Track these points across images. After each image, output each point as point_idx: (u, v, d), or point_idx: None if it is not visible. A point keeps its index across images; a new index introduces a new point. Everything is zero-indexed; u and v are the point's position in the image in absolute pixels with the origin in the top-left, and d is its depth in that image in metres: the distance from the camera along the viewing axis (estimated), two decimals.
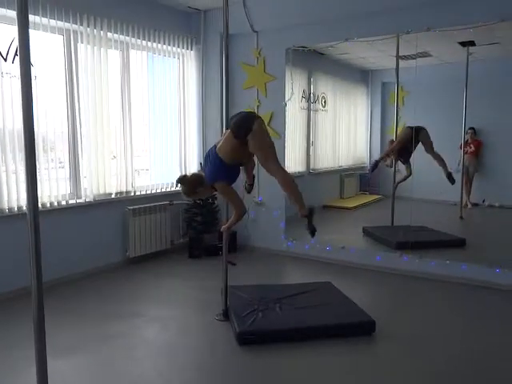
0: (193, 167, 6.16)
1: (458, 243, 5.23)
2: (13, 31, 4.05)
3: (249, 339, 3.30)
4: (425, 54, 5.26)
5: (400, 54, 5.32)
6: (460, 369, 3.00)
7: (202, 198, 4.68)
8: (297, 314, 3.60)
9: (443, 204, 5.68)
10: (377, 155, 6.36)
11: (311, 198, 6.44)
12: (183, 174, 3.61)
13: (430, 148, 5.42)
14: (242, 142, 3.19)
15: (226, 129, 3.46)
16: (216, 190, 3.40)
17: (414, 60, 5.13)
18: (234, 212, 3.39)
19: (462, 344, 3.36)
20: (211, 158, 3.30)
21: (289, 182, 3.26)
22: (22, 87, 1.78)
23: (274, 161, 3.25)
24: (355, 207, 6.44)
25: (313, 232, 3.28)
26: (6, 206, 4.22)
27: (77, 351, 3.23)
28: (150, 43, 5.51)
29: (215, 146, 3.32)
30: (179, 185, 3.43)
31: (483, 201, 5.54)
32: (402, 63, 5.41)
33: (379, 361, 3.13)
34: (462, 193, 5.54)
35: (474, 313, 3.96)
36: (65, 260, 4.69)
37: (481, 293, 4.37)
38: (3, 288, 4.20)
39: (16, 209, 4.28)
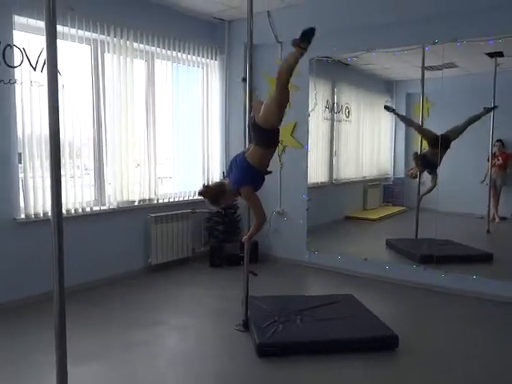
0: (215, 176, 6.18)
1: (485, 258, 5.10)
2: (43, 41, 4.14)
3: (269, 351, 3.26)
4: (451, 65, 5.18)
5: (425, 65, 5.26)
6: None
7: (225, 205, 4.62)
8: (318, 326, 3.55)
9: (469, 217, 5.56)
10: (401, 166, 6.29)
11: (333, 209, 6.45)
12: (205, 184, 3.58)
13: (465, 124, 5.30)
14: (268, 147, 3.21)
15: (249, 139, 3.48)
16: (240, 195, 3.38)
17: (440, 71, 5.05)
18: (255, 220, 3.36)
19: (487, 362, 3.25)
20: (238, 162, 3.28)
21: (282, 71, 3.09)
22: (49, 96, 1.81)
23: (275, 95, 3.14)
24: (379, 219, 6.36)
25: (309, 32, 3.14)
26: (32, 212, 4.30)
27: (98, 358, 3.24)
28: (174, 53, 5.57)
29: (243, 152, 3.32)
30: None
31: (511, 214, 5.40)
32: (427, 74, 5.34)
33: (402, 377, 3.05)
34: (489, 206, 5.41)
35: (501, 330, 3.83)
36: (87, 266, 4.73)
37: (508, 310, 4.23)
38: (28, 292, 4.27)
39: (42, 214, 4.36)
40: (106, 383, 2.93)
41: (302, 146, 5.68)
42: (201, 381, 2.99)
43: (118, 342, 3.50)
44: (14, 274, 4.21)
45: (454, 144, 5.32)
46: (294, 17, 5.45)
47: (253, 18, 3.62)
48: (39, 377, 2.98)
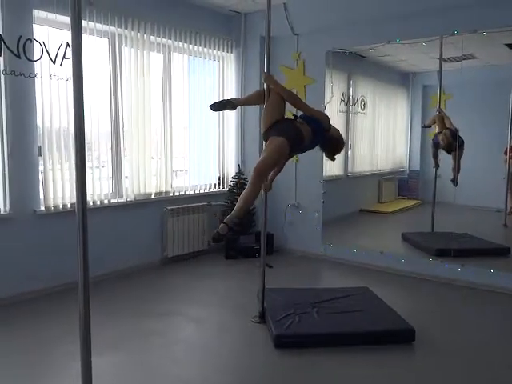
0: (231, 170, 6.21)
1: (502, 252, 5.06)
2: (62, 35, 4.18)
3: (285, 342, 3.29)
4: (469, 57, 5.12)
5: (443, 57, 5.19)
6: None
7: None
8: (334, 318, 3.57)
9: (486, 211, 5.50)
10: (417, 159, 6.25)
11: (348, 202, 6.43)
12: None
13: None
14: None
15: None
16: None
17: (457, 63, 4.99)
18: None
19: (506, 356, 3.24)
20: None
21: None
22: (75, 92, 1.83)
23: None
24: (394, 212, 6.33)
25: None
26: (51, 204, 4.36)
27: (115, 348, 3.29)
28: (191, 46, 5.59)
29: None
30: None
31: None
32: (445, 66, 5.28)
33: (419, 371, 3.05)
34: (506, 199, 5.35)
35: None
36: (104, 258, 4.76)
37: None
38: (45, 284, 4.34)
39: (61, 206, 4.42)
40: (124, 373, 2.98)
41: None
42: (218, 370, 3.03)
43: (135, 333, 3.55)
44: (33, 265, 4.28)
45: (471, 137, 5.28)
46: (310, 9, 5.43)
47: (270, 10, 3.61)
48: (59, 367, 3.04)
